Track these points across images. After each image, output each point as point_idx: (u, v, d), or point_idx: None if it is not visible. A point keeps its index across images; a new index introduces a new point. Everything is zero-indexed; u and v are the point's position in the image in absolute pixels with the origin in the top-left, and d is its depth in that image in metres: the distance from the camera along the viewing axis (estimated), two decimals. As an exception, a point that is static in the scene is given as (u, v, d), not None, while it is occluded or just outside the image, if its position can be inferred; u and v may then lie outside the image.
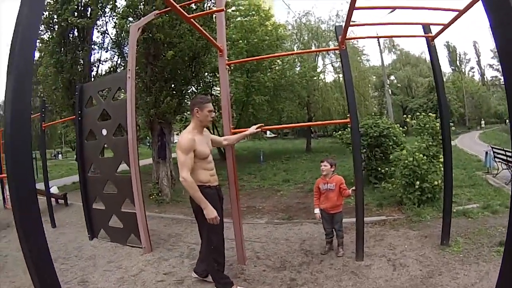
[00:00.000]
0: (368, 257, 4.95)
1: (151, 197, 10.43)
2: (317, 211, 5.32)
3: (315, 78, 25.34)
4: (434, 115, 7.19)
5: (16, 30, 1.80)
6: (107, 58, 14.18)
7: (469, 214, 6.49)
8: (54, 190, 12.21)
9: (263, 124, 4.02)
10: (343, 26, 4.65)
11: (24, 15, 1.80)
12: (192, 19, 4.17)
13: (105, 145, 7.07)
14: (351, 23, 4.21)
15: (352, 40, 24.64)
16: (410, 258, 4.83)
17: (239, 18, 20.87)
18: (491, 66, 46.84)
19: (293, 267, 4.89)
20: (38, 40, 13.01)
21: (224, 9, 5.01)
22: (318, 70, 27.39)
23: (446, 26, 4.64)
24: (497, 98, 60.90)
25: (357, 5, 3.48)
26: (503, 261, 1.82)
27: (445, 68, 62.02)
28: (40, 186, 12.52)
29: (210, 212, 3.75)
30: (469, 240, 5.26)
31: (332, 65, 28.94)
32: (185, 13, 3.87)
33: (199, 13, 6.01)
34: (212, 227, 3.93)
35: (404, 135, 9.56)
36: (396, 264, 4.66)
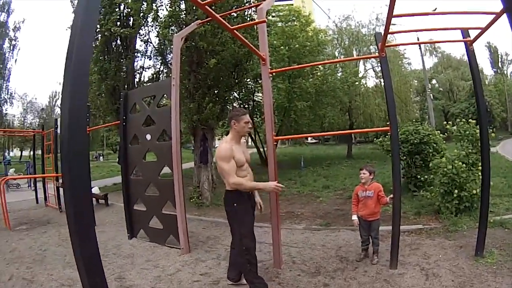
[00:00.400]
0: (402, 265, 4.96)
1: (191, 200, 10.67)
2: (354, 217, 5.37)
3: (356, 83, 25.12)
4: (474, 121, 7.06)
5: (73, 34, 1.92)
6: (150, 65, 14.58)
7: (506, 224, 6.30)
8: (95, 190, 12.76)
9: (281, 187, 4.12)
10: (382, 33, 4.71)
11: (79, 20, 1.91)
12: (234, 30, 4.36)
13: (148, 149, 7.32)
14: (390, 29, 4.27)
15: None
16: (443, 268, 4.80)
17: (280, 24, 21.00)
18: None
19: (327, 273, 4.96)
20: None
21: (266, 20, 5.17)
22: (360, 75, 27.12)
23: (484, 30, 4.58)
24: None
25: (396, 12, 3.54)
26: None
27: (487, 70, 59.24)
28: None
29: (268, 186, 4.17)
30: (504, 251, 5.14)
31: (374, 70, 28.52)
32: (227, 24, 4.06)
33: (241, 25, 6.19)
34: (244, 230, 4.17)
35: (444, 142, 9.41)
36: (429, 274, 4.64)
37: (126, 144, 7.36)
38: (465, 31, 4.98)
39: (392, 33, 5.17)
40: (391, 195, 5.02)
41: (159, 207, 6.76)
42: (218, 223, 8.42)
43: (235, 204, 4.16)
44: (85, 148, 2.01)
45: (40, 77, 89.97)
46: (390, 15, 3.58)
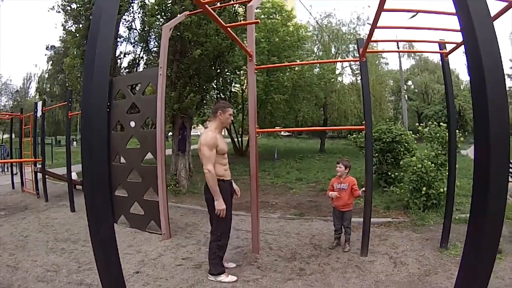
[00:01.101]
0: (372, 254, 5.32)
1: (168, 188, 10.75)
2: (331, 193, 5.70)
3: (333, 80, 25.55)
4: (445, 125, 7.46)
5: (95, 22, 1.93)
6: (130, 51, 14.36)
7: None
8: (74, 176, 12.70)
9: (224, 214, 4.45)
10: (365, 39, 5.01)
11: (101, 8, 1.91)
12: (224, 24, 4.54)
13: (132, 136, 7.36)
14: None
15: (372, 44, 24.75)
16: (410, 257, 5.18)
17: (262, 16, 21.13)
18: (509, 76, 45.89)
19: (302, 258, 5.26)
20: (64, 32, 13.47)
21: (259, 21, 5.38)
22: (337, 72, 27.50)
23: (458, 45, 4.98)
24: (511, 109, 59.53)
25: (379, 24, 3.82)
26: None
27: (463, 75, 60.78)
28: (58, 171, 13.10)
29: (221, 205, 4.30)
30: (467, 245, 5.55)
31: (351, 68, 29.01)
32: (222, 22, 4.28)
33: (234, 24, 6.34)
34: (222, 217, 4.37)
35: (416, 142, 9.85)
36: (397, 262, 5.02)
37: (109, 131, 7.41)
38: (442, 44, 5.37)
39: (375, 41, 5.47)
40: (363, 189, 5.37)
41: (141, 193, 6.89)
42: (195, 210, 8.63)
43: None
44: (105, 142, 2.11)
45: (14, 58, 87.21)
46: (374, 26, 3.88)
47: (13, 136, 15.75)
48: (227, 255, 4.86)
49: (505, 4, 3.26)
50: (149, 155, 6.87)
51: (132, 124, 7.07)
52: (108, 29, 1.92)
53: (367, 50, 5.22)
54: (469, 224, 1.95)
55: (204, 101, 11.88)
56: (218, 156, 4.40)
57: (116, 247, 2.03)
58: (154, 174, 6.41)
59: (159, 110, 6.32)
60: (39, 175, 10.76)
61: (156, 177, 6.37)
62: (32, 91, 53.46)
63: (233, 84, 23.23)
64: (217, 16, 4.01)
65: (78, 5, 11.80)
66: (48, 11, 12.99)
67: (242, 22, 9.41)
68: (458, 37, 4.76)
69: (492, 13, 2.04)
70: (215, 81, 16.90)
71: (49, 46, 42.08)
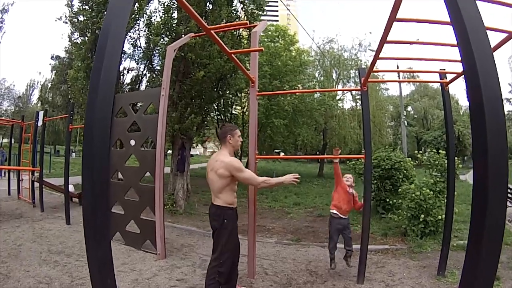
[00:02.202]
0: (368, 281, 5.28)
1: (165, 207, 10.71)
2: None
3: (333, 105, 25.67)
4: (444, 152, 7.49)
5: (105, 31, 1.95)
6: (133, 67, 14.44)
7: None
8: (70, 188, 12.62)
9: (299, 176, 4.34)
10: (367, 68, 5.07)
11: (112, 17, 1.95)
12: (228, 50, 4.61)
13: (131, 155, 7.40)
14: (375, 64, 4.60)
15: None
16: (407, 285, 5.15)
17: (265, 40, 21.38)
18: (508, 100, 46.01)
19: (298, 284, 5.21)
20: (69, 43, 13.58)
21: (263, 49, 5.45)
22: (337, 98, 27.68)
23: (459, 75, 5.05)
24: (510, 133, 59.62)
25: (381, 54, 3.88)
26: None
27: (462, 101, 61.25)
28: (55, 181, 13.03)
29: (287, 178, 4.30)
30: (465, 273, 5.51)
31: (351, 93, 29.21)
32: (227, 48, 4.33)
33: (238, 50, 6.42)
34: (230, 245, 4.26)
35: (414, 168, 9.88)
36: (393, 290, 4.98)
37: (109, 147, 7.40)
38: (442, 74, 5.47)
39: (376, 71, 5.56)
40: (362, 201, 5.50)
41: (138, 212, 6.87)
42: (191, 232, 8.58)
43: (225, 221, 4.19)
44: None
45: (19, 64, 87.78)
46: (376, 57, 3.94)
47: (13, 141, 15.76)
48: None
49: (505, 35, 3.32)
50: (147, 174, 6.87)
51: (132, 142, 7.09)
52: (116, 45, 1.93)
53: (369, 80, 5.28)
54: (467, 251, 1.94)
55: (205, 122, 11.88)
56: (233, 183, 4.23)
57: (112, 267, 2.00)
58: (152, 194, 6.41)
59: (160, 131, 6.34)
60: (36, 184, 10.73)
61: (153, 197, 6.36)
62: (34, 98, 54.00)
63: (234, 106, 23.36)
64: (220, 41, 4.05)
65: (85, 18, 11.91)
66: (56, 21, 13.03)
67: (246, 49, 9.51)
68: (458, 67, 4.87)
69: (492, 44, 2.07)
70: (217, 102, 16.99)
71: (54, 56, 42.37)
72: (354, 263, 5.55)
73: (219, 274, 4.26)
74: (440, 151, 7.96)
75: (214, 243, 4.38)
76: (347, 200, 5.59)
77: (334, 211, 5.61)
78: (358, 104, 27.78)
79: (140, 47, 13.01)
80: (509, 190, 9.81)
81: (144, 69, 14.16)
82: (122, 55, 13.64)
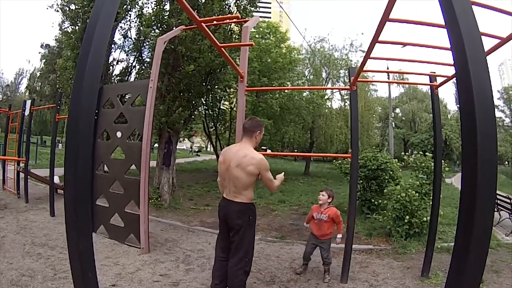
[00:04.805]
0: (352, 280, 5.30)
1: (150, 201, 10.64)
2: (307, 224, 5.75)
3: (322, 104, 25.73)
4: (430, 155, 7.53)
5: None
6: (123, 58, 14.32)
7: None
8: (56, 180, 12.49)
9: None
10: (357, 68, 5.07)
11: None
12: (219, 44, 4.54)
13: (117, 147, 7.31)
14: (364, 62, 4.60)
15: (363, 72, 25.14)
16: (390, 285, 5.19)
17: (256, 36, 21.32)
18: (496, 107, 46.68)
19: (281, 282, 5.21)
20: (60, 32, 13.41)
21: (253, 44, 5.41)
22: (326, 97, 27.71)
23: (449, 78, 5.06)
24: (499, 139, 60.51)
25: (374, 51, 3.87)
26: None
27: (451, 105, 62.03)
28: (40, 172, 12.87)
29: (281, 179, 4.37)
30: (448, 274, 5.56)
31: (340, 93, 29.30)
32: (217, 42, 4.27)
33: (228, 44, 6.36)
34: (253, 241, 4.20)
35: (400, 169, 9.94)
36: (377, 290, 4.99)
37: (95, 139, 7.32)
38: (432, 77, 5.47)
39: (366, 71, 5.56)
40: (340, 236, 5.46)
41: (122, 205, 6.78)
42: (176, 226, 8.53)
43: (250, 217, 4.10)
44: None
45: (8, 52, 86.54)
46: (367, 56, 3.93)
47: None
48: (205, 275, 4.75)
49: (498, 41, 3.33)
50: (133, 166, 6.80)
51: (119, 134, 7.01)
52: (104, 32, 1.91)
53: (358, 79, 5.27)
54: (453, 255, 1.93)
55: (193, 117, 11.80)
56: (255, 179, 4.10)
57: (93, 260, 1.97)
58: (137, 187, 6.33)
59: (147, 123, 6.27)
60: (21, 175, 10.61)
61: (138, 190, 6.29)
62: (22, 87, 53.11)
63: (222, 102, 23.28)
64: (211, 34, 4.00)
65: (77, 7, 11.76)
66: (47, 9, 12.87)
67: (237, 43, 9.45)
68: (449, 71, 4.90)
69: (486, 49, 2.07)
70: (205, 97, 16.89)
71: (44, 45, 41.80)
72: (338, 263, 5.58)
73: (245, 273, 4.13)
74: (427, 153, 8.01)
75: (236, 243, 4.11)
76: (318, 226, 5.45)
77: (312, 232, 5.61)
78: (346, 104, 27.85)
79: (131, 38, 12.92)
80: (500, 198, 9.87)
81: (133, 61, 14.08)
82: (113, 45, 13.55)
